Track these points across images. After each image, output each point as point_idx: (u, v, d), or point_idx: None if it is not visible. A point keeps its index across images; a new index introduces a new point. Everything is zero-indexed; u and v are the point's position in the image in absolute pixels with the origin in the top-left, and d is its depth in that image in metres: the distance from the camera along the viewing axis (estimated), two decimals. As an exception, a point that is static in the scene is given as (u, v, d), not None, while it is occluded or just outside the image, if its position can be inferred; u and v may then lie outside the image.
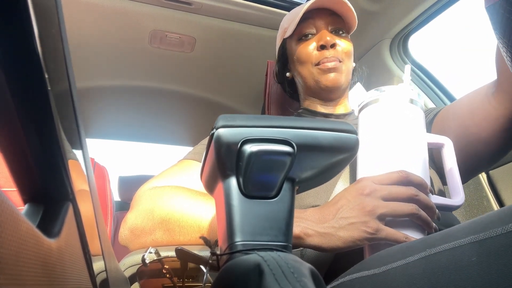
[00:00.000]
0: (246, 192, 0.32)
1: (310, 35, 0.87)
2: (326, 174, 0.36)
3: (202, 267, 0.42)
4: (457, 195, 0.60)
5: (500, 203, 1.07)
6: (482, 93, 0.70)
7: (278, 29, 0.98)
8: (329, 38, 0.83)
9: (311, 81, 0.85)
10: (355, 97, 0.97)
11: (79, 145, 0.27)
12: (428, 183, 0.56)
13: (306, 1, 0.93)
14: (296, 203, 0.59)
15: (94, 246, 0.30)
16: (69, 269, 0.23)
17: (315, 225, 0.52)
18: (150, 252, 0.50)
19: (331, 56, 0.82)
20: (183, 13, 1.28)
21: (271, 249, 0.31)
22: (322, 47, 0.83)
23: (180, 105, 1.79)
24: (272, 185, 0.32)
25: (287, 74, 0.94)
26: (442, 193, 0.72)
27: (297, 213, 0.53)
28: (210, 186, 0.37)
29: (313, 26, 0.87)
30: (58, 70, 0.23)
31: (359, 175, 0.60)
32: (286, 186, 0.33)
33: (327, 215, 0.52)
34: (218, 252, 0.34)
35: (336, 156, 0.34)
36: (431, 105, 1.25)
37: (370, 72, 1.40)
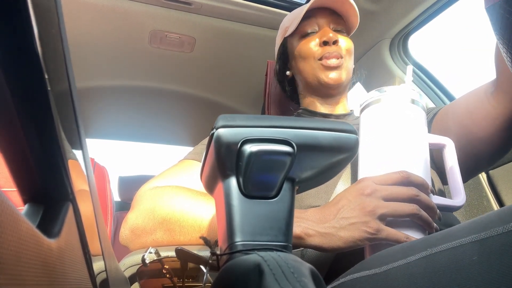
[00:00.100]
0: (246, 192, 0.32)
1: (312, 33, 0.87)
2: (326, 174, 0.36)
3: (202, 267, 0.42)
4: (458, 196, 0.60)
5: (500, 203, 1.07)
6: (481, 93, 0.70)
7: (278, 29, 0.98)
8: (331, 34, 0.83)
9: (312, 77, 0.85)
10: (355, 97, 0.97)
11: (79, 145, 0.27)
12: (429, 183, 0.56)
13: (307, 1, 0.93)
14: (296, 203, 0.59)
15: (94, 246, 0.30)
16: (69, 269, 0.23)
17: (316, 225, 0.52)
18: (150, 252, 0.50)
19: (333, 52, 0.82)
20: (183, 13, 1.27)
21: (271, 249, 0.31)
22: (324, 43, 0.83)
23: (180, 105, 1.78)
24: (272, 185, 0.32)
25: (287, 72, 0.94)
26: (442, 194, 0.72)
27: (298, 213, 0.53)
28: (210, 186, 0.37)
29: (315, 24, 0.87)
30: (58, 70, 0.23)
31: (360, 175, 0.60)
32: (286, 186, 0.33)
33: (328, 215, 0.52)
34: (218, 252, 0.34)
35: (336, 156, 0.34)
36: (431, 105, 1.25)
37: (370, 72, 1.40)
